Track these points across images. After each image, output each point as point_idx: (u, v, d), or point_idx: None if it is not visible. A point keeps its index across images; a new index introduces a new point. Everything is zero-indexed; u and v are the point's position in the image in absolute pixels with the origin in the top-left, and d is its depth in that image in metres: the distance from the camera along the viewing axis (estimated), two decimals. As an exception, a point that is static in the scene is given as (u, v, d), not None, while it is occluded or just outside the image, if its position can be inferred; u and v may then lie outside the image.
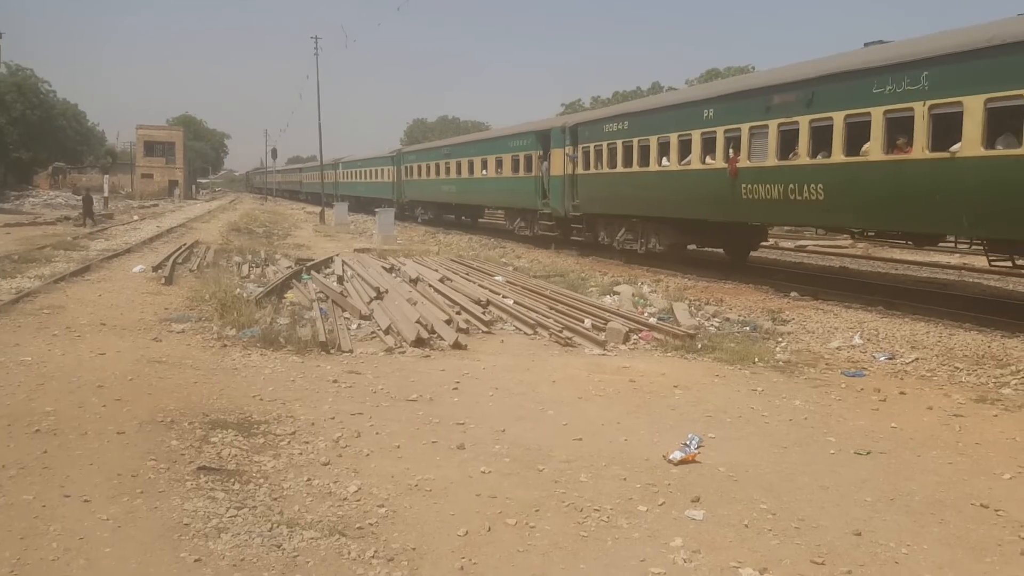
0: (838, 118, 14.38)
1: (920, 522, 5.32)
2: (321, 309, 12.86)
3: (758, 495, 5.74)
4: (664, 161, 20.09)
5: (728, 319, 13.40)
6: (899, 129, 13.34)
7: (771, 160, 16.17)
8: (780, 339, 11.84)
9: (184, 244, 24.68)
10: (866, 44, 15.37)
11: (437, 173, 40.04)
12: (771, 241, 26.94)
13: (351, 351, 10.44)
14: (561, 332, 11.66)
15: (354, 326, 12.05)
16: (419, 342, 10.80)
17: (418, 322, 11.62)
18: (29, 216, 39.60)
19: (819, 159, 15.01)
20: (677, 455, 6.44)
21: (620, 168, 22.15)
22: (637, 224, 22.19)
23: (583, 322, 12.24)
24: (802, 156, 15.35)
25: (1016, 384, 9.15)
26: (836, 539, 5.02)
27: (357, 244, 28.09)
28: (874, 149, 13.68)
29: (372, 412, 7.65)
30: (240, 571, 4.47)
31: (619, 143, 22.24)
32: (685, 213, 19.81)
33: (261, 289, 14.77)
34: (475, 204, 38.08)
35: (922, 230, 14.72)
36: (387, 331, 11.37)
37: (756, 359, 10.28)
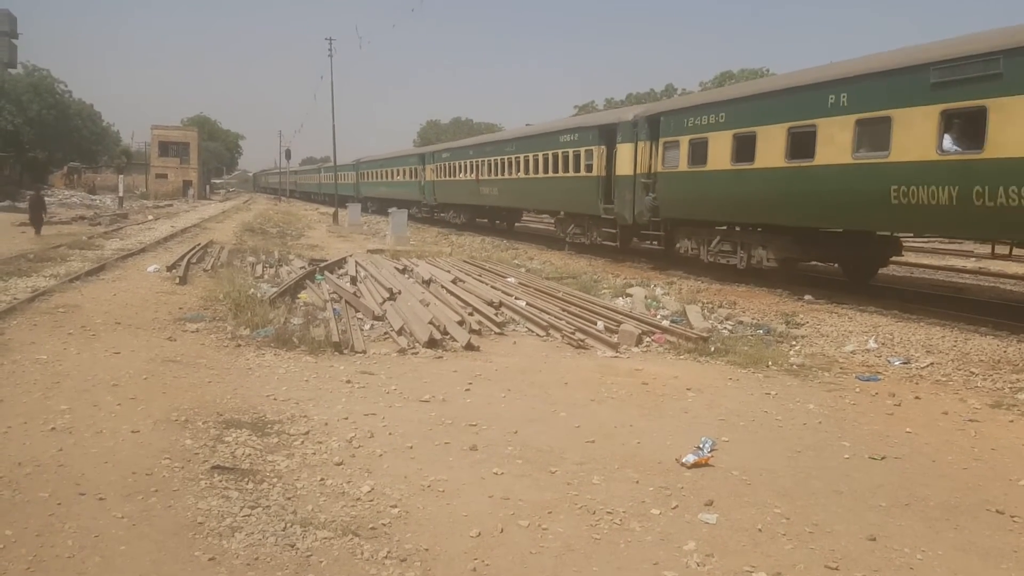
0: None
1: (935, 528, 5.29)
2: (334, 309, 12.89)
3: (772, 499, 5.72)
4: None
5: (741, 322, 13.36)
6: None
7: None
8: (794, 343, 11.79)
9: (198, 244, 24.79)
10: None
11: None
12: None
13: (364, 352, 10.46)
14: (574, 334, 11.64)
15: (367, 327, 12.07)
16: (432, 343, 10.81)
17: (431, 323, 11.64)
18: (45, 215, 39.73)
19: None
20: (690, 458, 6.42)
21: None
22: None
23: (596, 324, 12.22)
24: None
25: (1032, 389, 9.09)
26: (850, 544, 5.00)
27: (370, 245, 28.15)
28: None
29: (385, 413, 7.66)
30: (254, 570, 4.49)
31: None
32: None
33: (275, 289, 14.81)
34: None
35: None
36: (400, 332, 11.39)
37: (770, 362, 10.24)
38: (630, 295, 15.50)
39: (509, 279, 16.89)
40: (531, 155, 29.89)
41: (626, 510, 5.45)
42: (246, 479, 5.80)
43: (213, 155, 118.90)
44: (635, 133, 22.19)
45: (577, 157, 25.84)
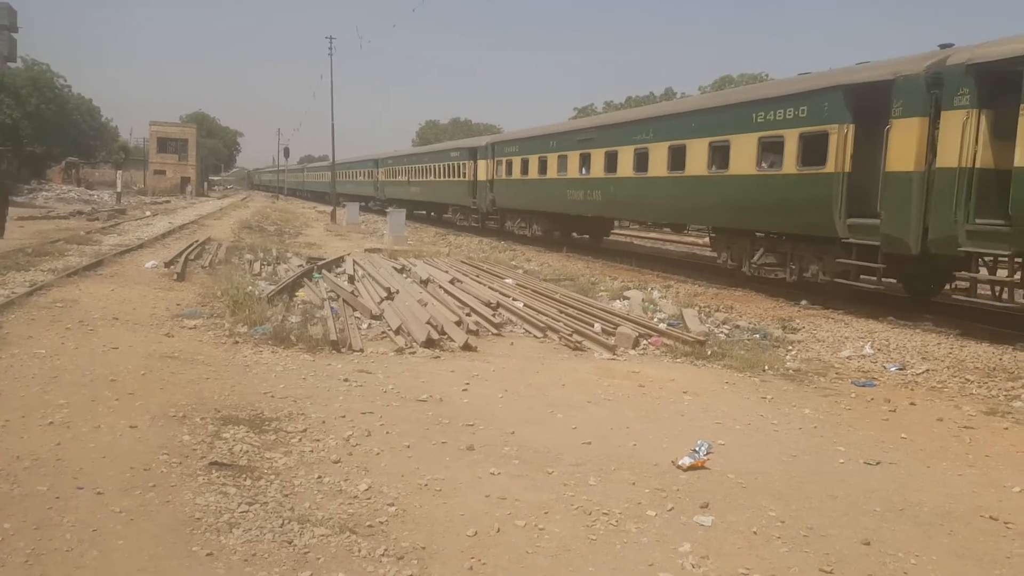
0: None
1: (929, 533, 5.32)
2: (332, 308, 12.90)
3: (767, 502, 5.75)
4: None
5: (738, 326, 13.40)
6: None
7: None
8: (790, 347, 11.83)
9: (196, 241, 24.78)
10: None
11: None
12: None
13: (362, 350, 10.48)
14: (571, 336, 11.67)
15: (365, 326, 12.09)
16: (429, 343, 10.83)
17: (428, 323, 11.66)
18: (42, 210, 39.68)
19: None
20: (686, 461, 6.45)
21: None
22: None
23: (593, 326, 12.25)
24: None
25: (1027, 397, 9.13)
26: (845, 548, 5.03)
27: (368, 244, 28.15)
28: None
29: (382, 411, 7.68)
30: (251, 566, 4.51)
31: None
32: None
33: (272, 287, 14.83)
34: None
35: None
36: (397, 331, 11.41)
37: (766, 367, 10.27)
38: (627, 298, 15.54)
39: (507, 280, 16.93)
40: (436, 164, 43.10)
41: (622, 511, 5.48)
42: (244, 475, 5.82)
43: (211, 152, 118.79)
44: (486, 153, 34.99)
45: (460, 167, 38.84)
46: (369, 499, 5.53)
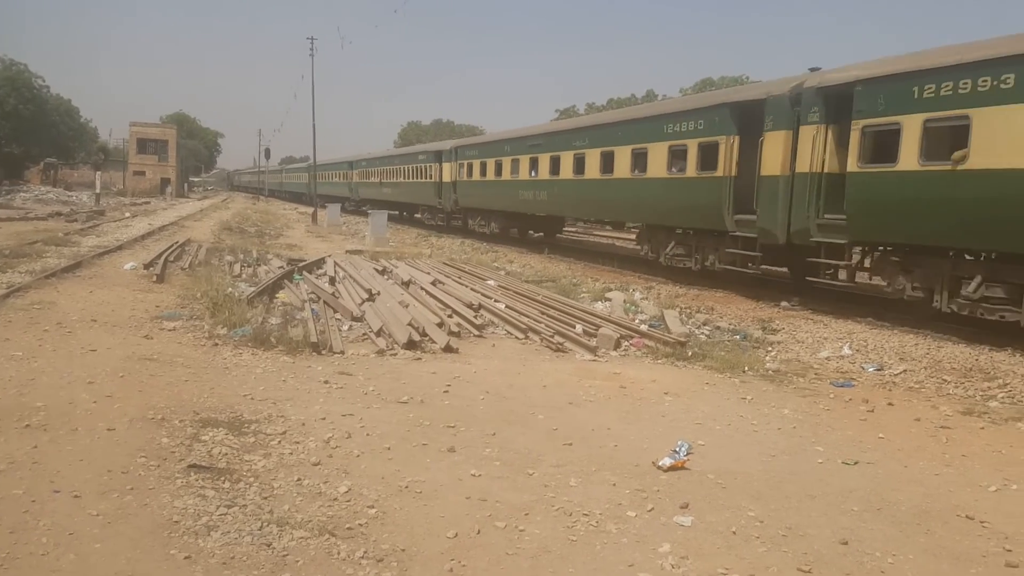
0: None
1: (906, 532, 5.36)
2: (313, 310, 12.86)
3: (746, 502, 5.77)
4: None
5: (719, 327, 13.47)
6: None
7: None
8: (770, 348, 11.90)
9: (176, 242, 24.61)
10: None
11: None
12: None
13: (342, 352, 10.44)
14: (552, 337, 11.68)
15: (345, 327, 12.05)
16: (411, 344, 10.81)
17: (410, 324, 11.64)
18: (20, 211, 39.28)
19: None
20: (666, 461, 6.47)
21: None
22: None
23: (574, 328, 12.27)
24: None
25: (1003, 397, 9.25)
26: (823, 548, 5.06)
27: (349, 245, 28.07)
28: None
29: (363, 413, 7.66)
30: (230, 569, 4.48)
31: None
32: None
33: (253, 289, 14.75)
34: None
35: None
36: (379, 333, 11.38)
37: (746, 368, 10.33)
38: (609, 299, 15.57)
39: (489, 282, 16.92)
40: (406, 166, 45.57)
41: (602, 512, 5.49)
42: (222, 478, 5.78)
43: (192, 153, 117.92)
44: (450, 156, 37.38)
45: (427, 169, 40.94)
46: (349, 501, 5.51)
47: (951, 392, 9.55)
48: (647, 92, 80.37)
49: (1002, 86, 11.29)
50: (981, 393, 9.45)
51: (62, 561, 4.48)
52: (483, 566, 4.68)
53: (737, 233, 17.13)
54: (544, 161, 27.29)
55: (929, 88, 12.42)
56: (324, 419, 7.39)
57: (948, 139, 12.17)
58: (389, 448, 6.69)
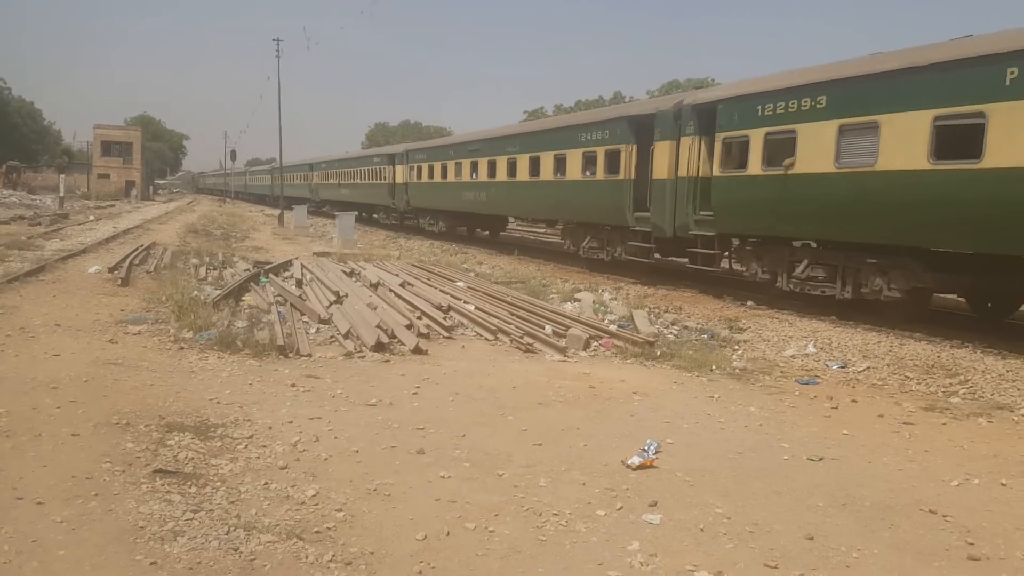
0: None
1: (870, 527, 5.44)
2: (279, 312, 12.76)
3: (714, 500, 5.83)
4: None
5: (687, 327, 13.56)
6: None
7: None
8: (737, 347, 12.02)
9: (141, 245, 24.29)
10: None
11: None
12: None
13: (310, 355, 10.38)
14: (522, 338, 11.70)
15: (313, 330, 11.98)
16: (379, 347, 10.77)
17: (378, 327, 11.59)
18: None
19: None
20: (635, 460, 6.51)
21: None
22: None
23: (544, 328, 12.30)
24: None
25: (964, 393, 9.40)
26: (789, 543, 5.12)
27: (316, 247, 27.91)
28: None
29: (331, 416, 7.62)
30: (196, 574, 4.44)
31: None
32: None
33: (219, 292, 14.60)
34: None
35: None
36: (347, 335, 11.32)
37: (713, 366, 10.42)
38: (578, 300, 15.63)
39: (458, 283, 16.90)
40: (363, 168, 47.49)
41: (572, 511, 5.51)
42: (189, 483, 5.73)
43: (157, 155, 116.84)
44: (402, 159, 39.53)
45: (381, 171, 42.97)
46: (317, 505, 5.48)
47: (914, 388, 9.69)
48: (615, 94, 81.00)
49: (817, 106, 14.03)
50: (943, 389, 9.61)
51: (24, 569, 4.41)
52: (453, 567, 4.68)
53: (637, 228, 19.84)
54: (483, 165, 29.84)
55: (768, 107, 15.20)
56: (291, 422, 7.35)
57: (782, 149, 14.84)
58: (357, 451, 6.66)
